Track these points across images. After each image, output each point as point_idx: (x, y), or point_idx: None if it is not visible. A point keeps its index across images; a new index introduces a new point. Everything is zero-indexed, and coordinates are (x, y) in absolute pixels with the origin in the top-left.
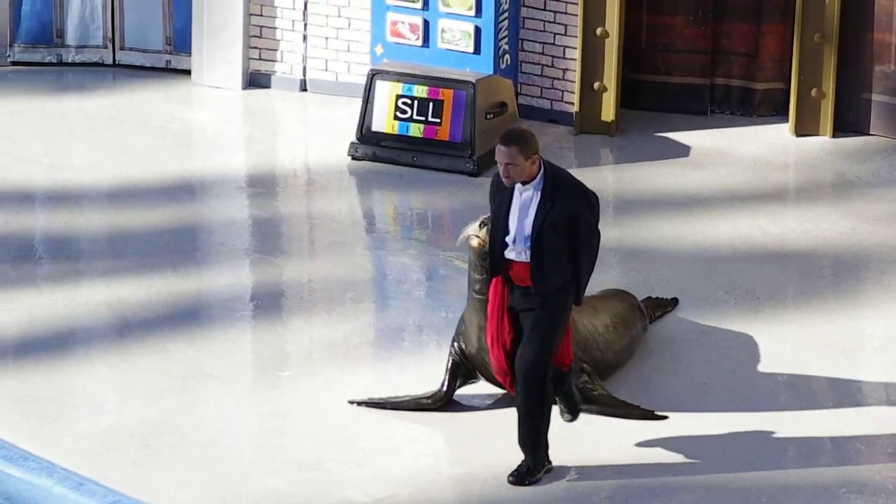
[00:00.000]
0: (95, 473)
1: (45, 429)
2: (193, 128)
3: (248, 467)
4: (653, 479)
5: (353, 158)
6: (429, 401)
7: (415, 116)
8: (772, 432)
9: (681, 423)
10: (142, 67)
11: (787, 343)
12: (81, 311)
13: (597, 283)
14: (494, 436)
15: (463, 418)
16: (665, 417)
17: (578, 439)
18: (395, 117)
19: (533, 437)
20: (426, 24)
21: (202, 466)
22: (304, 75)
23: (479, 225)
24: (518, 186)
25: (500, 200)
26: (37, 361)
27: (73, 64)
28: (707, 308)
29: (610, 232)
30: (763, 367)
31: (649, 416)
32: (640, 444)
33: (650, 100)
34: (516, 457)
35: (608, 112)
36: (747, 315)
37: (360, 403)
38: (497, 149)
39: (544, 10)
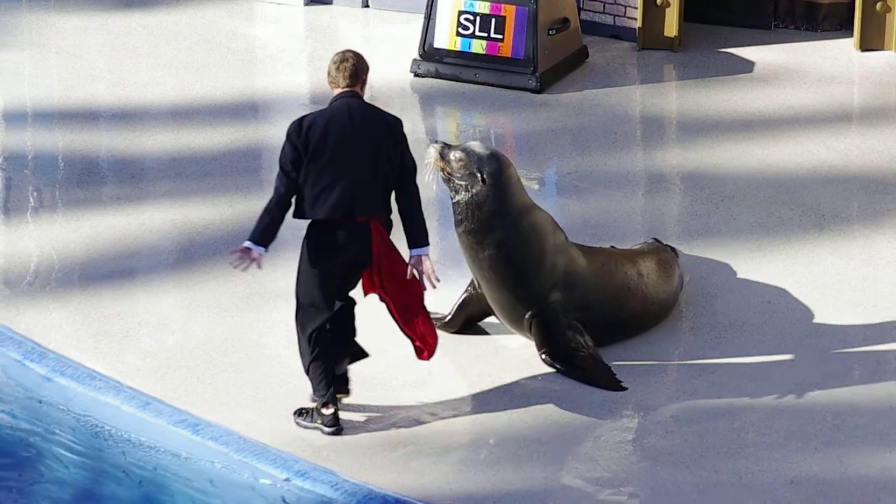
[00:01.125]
0: (161, 392)
1: (112, 347)
2: (256, 45)
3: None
4: (717, 399)
5: (416, 75)
6: (437, 323)
7: (477, 32)
8: (837, 350)
9: (746, 341)
10: None
11: (852, 260)
12: (146, 229)
13: (659, 204)
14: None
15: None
16: (625, 389)
17: (641, 367)
18: (458, 33)
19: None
20: None
21: (267, 385)
22: None
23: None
24: None
25: None
26: (102, 280)
27: None
28: (771, 225)
29: (673, 149)
30: (828, 284)
31: (613, 385)
32: (704, 362)
33: (714, 14)
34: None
35: (671, 27)
36: (812, 232)
37: None
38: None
39: None
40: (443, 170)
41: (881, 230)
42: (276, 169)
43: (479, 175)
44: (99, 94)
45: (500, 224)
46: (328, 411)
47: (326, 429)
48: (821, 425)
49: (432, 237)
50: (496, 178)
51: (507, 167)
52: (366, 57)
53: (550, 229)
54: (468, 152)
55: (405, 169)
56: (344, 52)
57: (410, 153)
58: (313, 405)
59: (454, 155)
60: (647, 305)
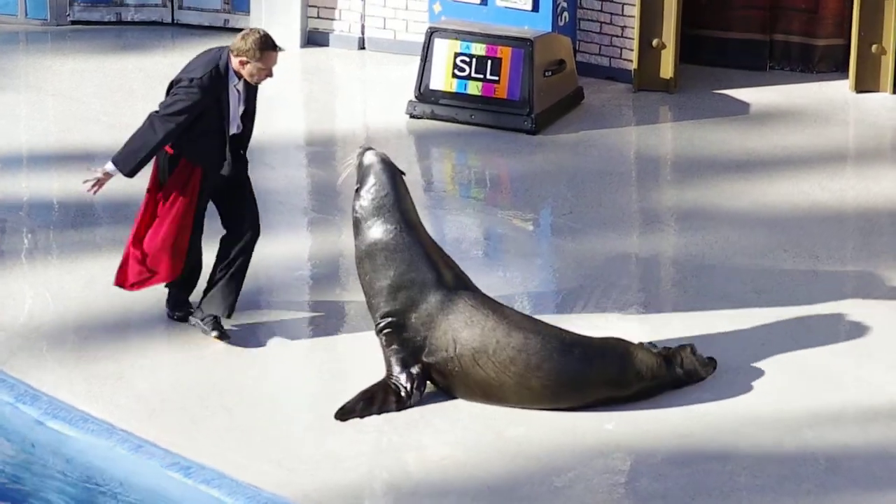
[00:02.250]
0: (155, 435)
1: (105, 390)
2: None
3: (306, 430)
4: (710, 442)
5: (412, 117)
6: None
7: (473, 74)
8: (831, 392)
9: (739, 383)
10: (200, 26)
11: (847, 301)
12: None
13: (654, 245)
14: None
15: None
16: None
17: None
18: (454, 75)
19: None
20: None
21: (260, 428)
22: (363, 33)
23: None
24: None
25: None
26: (96, 322)
27: (132, 23)
28: (766, 266)
29: (669, 190)
30: (822, 325)
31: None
32: (697, 404)
33: (709, 55)
34: (574, 422)
35: (667, 69)
36: (807, 273)
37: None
38: (273, 56)
39: None
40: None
41: (876, 271)
42: (271, 209)
43: (356, 186)
44: (95, 137)
45: (357, 231)
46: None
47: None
48: (814, 468)
49: None
50: (364, 191)
51: (379, 185)
52: (361, 99)
53: (408, 260)
54: (360, 161)
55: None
56: (252, 30)
57: (167, 100)
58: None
59: (356, 160)
60: (523, 382)
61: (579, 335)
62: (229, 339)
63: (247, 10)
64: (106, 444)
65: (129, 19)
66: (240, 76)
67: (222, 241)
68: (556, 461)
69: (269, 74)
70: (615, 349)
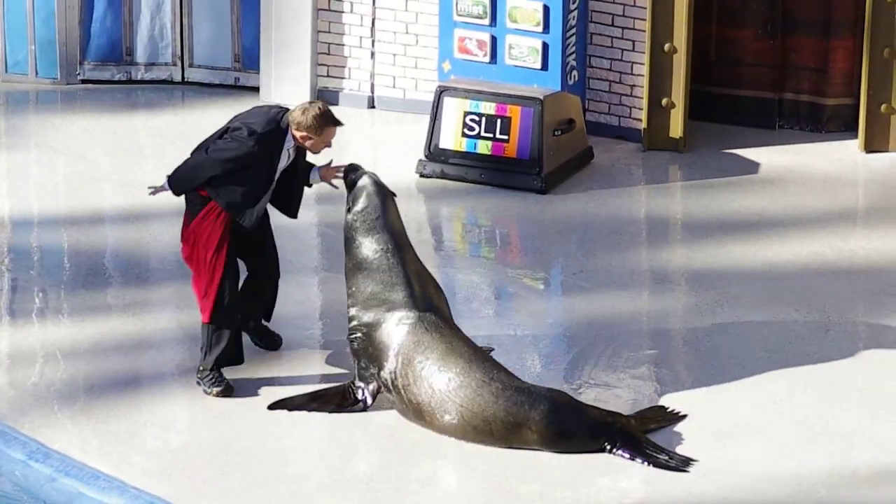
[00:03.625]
0: (166, 493)
1: (117, 447)
2: None
3: (319, 486)
4: (723, 501)
5: (421, 176)
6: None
7: (483, 133)
8: (844, 451)
9: (751, 442)
10: (210, 85)
11: (858, 361)
12: (151, 329)
13: (664, 304)
14: (553, 464)
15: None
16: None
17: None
18: (463, 134)
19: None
20: (493, 40)
21: (272, 486)
22: (372, 92)
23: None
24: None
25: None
26: (107, 381)
27: (143, 82)
28: (777, 326)
29: (678, 249)
30: (834, 385)
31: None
32: (709, 464)
33: (718, 112)
34: (588, 478)
35: (676, 128)
36: (817, 333)
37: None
38: (333, 130)
39: (612, 25)
40: None
41: (887, 331)
42: (281, 268)
43: (348, 205)
44: (105, 195)
45: (347, 248)
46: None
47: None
48: None
49: (475, 332)
50: (356, 211)
51: (371, 207)
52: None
53: (386, 281)
54: (353, 181)
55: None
56: (313, 104)
57: (222, 144)
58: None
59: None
60: (464, 415)
61: (519, 383)
62: (233, 390)
63: (257, 69)
64: (118, 502)
65: (139, 78)
66: (296, 140)
67: (242, 287)
68: None
69: (328, 145)
70: (554, 400)
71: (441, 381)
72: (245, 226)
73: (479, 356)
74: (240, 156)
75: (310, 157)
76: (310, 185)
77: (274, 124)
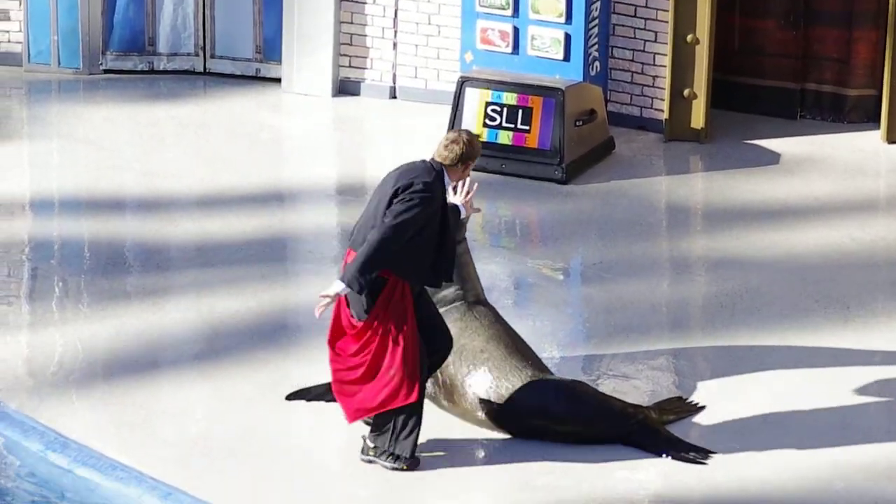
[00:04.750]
0: (184, 482)
1: (134, 437)
2: (283, 136)
3: (336, 476)
4: (740, 492)
5: None
6: None
7: (504, 124)
8: (862, 443)
9: (769, 433)
10: (232, 75)
11: (877, 352)
12: (171, 319)
13: (684, 294)
14: (572, 456)
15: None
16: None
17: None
18: (485, 124)
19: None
20: (516, 31)
21: (290, 476)
22: (394, 83)
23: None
24: None
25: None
26: (126, 369)
27: (165, 72)
28: (796, 317)
29: (699, 240)
30: (853, 376)
31: None
32: (727, 454)
33: (740, 102)
34: (603, 470)
35: (698, 119)
36: (837, 324)
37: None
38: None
39: (634, 16)
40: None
41: None
42: (300, 258)
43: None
44: (126, 185)
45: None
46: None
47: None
48: None
49: None
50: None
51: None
52: (392, 148)
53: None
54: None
55: (384, 216)
56: (460, 135)
57: (400, 206)
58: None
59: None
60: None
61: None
62: (419, 462)
63: (278, 60)
64: (135, 492)
65: (161, 68)
66: (454, 179)
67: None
68: None
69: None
70: (576, 390)
71: (479, 362)
72: (438, 288)
73: (520, 347)
74: (421, 211)
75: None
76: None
77: (433, 171)
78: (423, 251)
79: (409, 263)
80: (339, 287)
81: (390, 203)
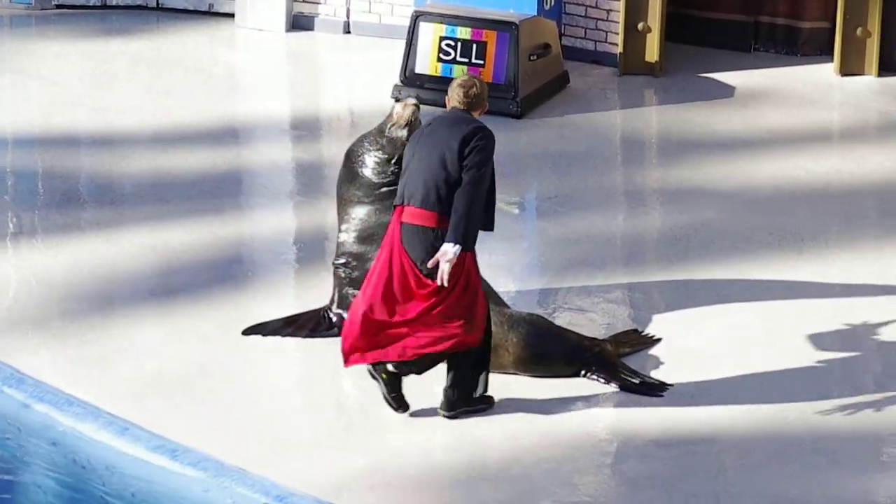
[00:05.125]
0: (140, 418)
1: (90, 373)
2: (237, 70)
3: (292, 411)
4: (696, 424)
5: (397, 101)
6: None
7: (458, 58)
8: (816, 374)
9: (724, 366)
10: (185, 10)
11: (831, 284)
12: (126, 254)
13: (639, 228)
14: (529, 390)
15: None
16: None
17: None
18: (439, 59)
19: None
20: None
21: (246, 410)
22: (348, 17)
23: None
24: None
25: None
26: (81, 306)
27: (117, 7)
28: (751, 249)
29: (653, 173)
30: (807, 308)
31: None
32: (683, 387)
33: (694, 35)
34: (563, 406)
35: (652, 53)
36: (791, 256)
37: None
38: None
39: None
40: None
41: (860, 254)
42: (255, 193)
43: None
44: (79, 120)
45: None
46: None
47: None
48: (800, 449)
49: None
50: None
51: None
52: (346, 83)
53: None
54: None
55: (466, 169)
56: (471, 79)
57: (480, 157)
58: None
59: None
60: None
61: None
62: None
63: None
64: (92, 427)
65: (113, 3)
66: None
67: None
68: (544, 441)
69: None
70: (533, 324)
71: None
72: (492, 231)
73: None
74: (492, 157)
75: None
76: None
77: (470, 117)
78: (485, 197)
79: (484, 209)
80: (454, 249)
81: (461, 156)
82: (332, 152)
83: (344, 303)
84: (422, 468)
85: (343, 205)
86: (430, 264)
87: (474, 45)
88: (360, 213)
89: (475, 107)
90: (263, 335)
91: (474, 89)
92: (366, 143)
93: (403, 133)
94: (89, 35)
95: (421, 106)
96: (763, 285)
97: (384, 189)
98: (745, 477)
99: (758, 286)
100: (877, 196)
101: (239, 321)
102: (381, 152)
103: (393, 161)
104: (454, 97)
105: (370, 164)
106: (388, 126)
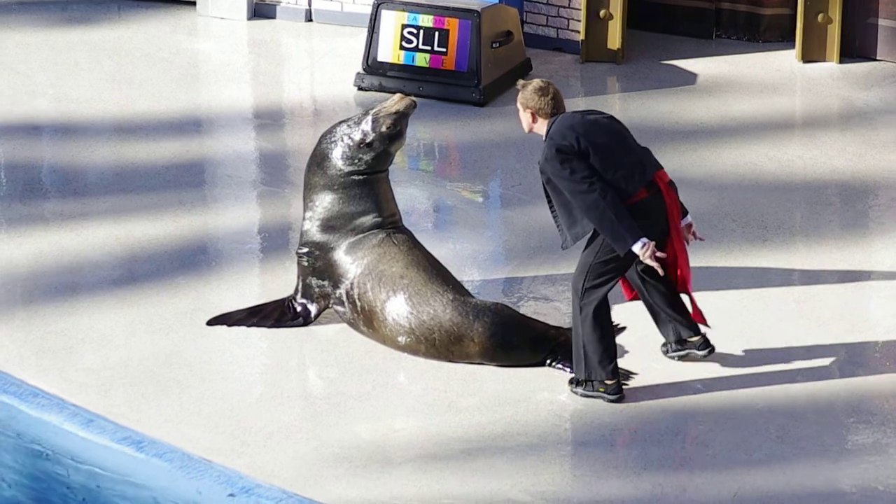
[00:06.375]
0: (105, 409)
1: (55, 364)
2: (199, 59)
3: (258, 401)
4: (660, 412)
5: (360, 89)
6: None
7: (420, 46)
8: (780, 362)
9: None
10: None
11: (795, 271)
12: (89, 245)
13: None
14: (495, 379)
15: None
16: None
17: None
18: (401, 47)
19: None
20: None
21: (212, 401)
22: (310, 5)
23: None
24: None
25: None
26: (45, 297)
27: None
28: (715, 237)
29: None
30: (771, 296)
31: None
32: (646, 375)
33: (656, 22)
34: (527, 393)
35: (614, 40)
36: (755, 243)
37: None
38: None
39: None
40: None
41: (824, 241)
42: (219, 182)
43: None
44: (41, 110)
45: (319, 162)
46: (612, 381)
47: (610, 397)
48: (764, 437)
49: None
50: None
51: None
52: (309, 71)
53: (353, 203)
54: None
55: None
56: (549, 87)
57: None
58: (586, 377)
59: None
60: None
61: (466, 296)
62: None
63: None
64: (57, 419)
65: None
66: None
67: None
68: (509, 431)
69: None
70: (498, 313)
71: (399, 288)
72: None
73: (440, 272)
74: (585, 171)
75: None
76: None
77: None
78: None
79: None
80: (638, 246)
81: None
82: (296, 141)
83: (308, 292)
84: (388, 458)
85: (309, 191)
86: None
87: (436, 33)
88: (325, 200)
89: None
90: (228, 325)
91: (558, 94)
92: (342, 126)
93: (388, 120)
94: (50, 24)
95: (381, 92)
96: (728, 273)
97: (351, 178)
98: (710, 466)
99: (722, 274)
100: (840, 183)
101: (204, 311)
102: (354, 136)
103: (363, 146)
104: (557, 104)
105: (341, 148)
106: (378, 108)
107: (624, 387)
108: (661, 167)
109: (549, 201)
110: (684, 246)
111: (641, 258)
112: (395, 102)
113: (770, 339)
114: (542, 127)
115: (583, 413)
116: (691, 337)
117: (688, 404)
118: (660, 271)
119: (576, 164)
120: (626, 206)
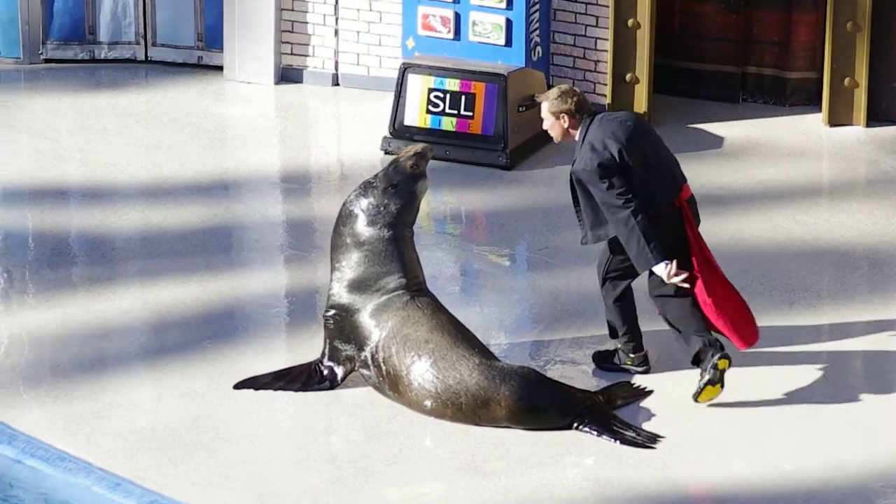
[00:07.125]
0: (132, 473)
1: (83, 428)
2: (226, 124)
3: (285, 465)
4: (688, 475)
5: (386, 153)
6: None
7: (447, 110)
8: (807, 426)
9: (716, 417)
10: (174, 63)
11: (822, 335)
12: (117, 309)
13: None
14: (522, 443)
15: None
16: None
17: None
18: (428, 111)
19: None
20: (457, 16)
21: (239, 465)
22: (336, 70)
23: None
24: None
25: None
26: (73, 361)
27: (106, 61)
28: None
29: None
30: (798, 359)
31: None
32: (674, 439)
33: (682, 86)
34: (554, 457)
35: (640, 103)
36: (782, 307)
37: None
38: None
39: (575, 1)
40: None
41: (851, 305)
42: (246, 247)
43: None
44: (69, 175)
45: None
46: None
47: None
48: (791, 501)
49: None
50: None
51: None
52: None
53: (379, 264)
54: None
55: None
56: (571, 89)
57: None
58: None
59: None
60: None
61: (493, 360)
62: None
63: (220, 48)
64: (84, 483)
65: (102, 57)
66: None
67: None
68: (536, 495)
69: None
70: (525, 377)
71: (424, 352)
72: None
73: (465, 335)
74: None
75: None
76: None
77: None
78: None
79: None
80: (659, 267)
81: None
82: (323, 205)
83: (334, 355)
84: None
85: (336, 251)
86: None
87: (463, 97)
88: (351, 260)
89: None
90: (255, 389)
91: (579, 97)
92: (366, 182)
93: (410, 161)
94: (78, 89)
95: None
96: None
97: (378, 233)
98: None
99: None
100: (867, 246)
101: (230, 375)
102: (378, 185)
103: (389, 189)
104: (583, 104)
105: (367, 200)
106: (397, 156)
107: (652, 449)
108: (685, 180)
109: (574, 196)
110: (708, 265)
111: (665, 280)
112: (411, 148)
113: (797, 403)
114: (575, 129)
115: (611, 476)
116: (639, 352)
117: (714, 467)
118: (684, 286)
119: (615, 179)
120: (651, 216)
